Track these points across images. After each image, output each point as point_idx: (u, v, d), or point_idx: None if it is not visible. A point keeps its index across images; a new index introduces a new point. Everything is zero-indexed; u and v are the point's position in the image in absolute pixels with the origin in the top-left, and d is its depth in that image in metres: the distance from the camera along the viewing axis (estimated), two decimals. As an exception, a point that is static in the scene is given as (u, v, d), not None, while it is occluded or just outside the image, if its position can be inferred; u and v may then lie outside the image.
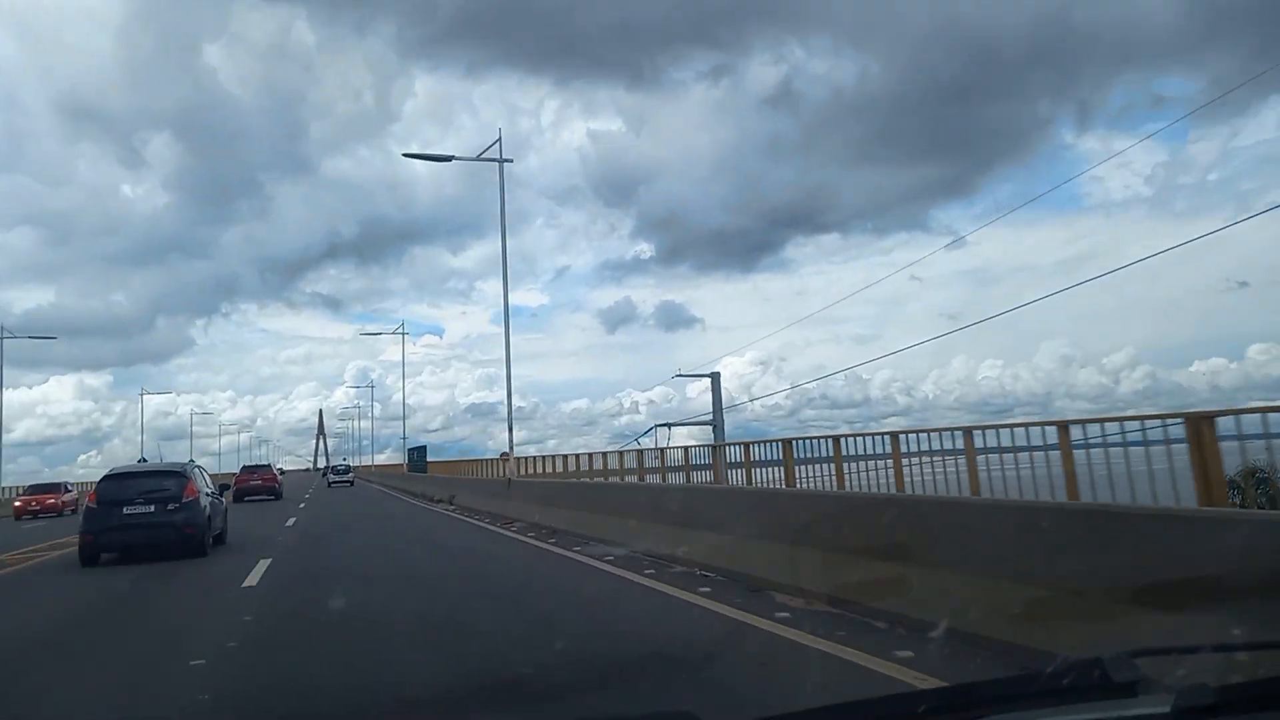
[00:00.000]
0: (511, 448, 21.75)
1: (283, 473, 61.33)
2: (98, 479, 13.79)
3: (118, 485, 12.93)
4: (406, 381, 57.10)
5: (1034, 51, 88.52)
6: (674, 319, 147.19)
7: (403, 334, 53.90)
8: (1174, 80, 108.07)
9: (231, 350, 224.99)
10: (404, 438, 52.52)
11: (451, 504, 24.48)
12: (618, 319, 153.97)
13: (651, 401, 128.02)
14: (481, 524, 17.89)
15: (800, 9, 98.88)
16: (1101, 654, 1.46)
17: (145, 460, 26.64)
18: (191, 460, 18.04)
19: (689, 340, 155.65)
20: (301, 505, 29.90)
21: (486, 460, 34.35)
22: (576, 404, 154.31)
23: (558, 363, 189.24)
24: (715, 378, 30.95)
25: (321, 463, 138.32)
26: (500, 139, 21.45)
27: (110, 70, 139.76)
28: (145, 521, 12.41)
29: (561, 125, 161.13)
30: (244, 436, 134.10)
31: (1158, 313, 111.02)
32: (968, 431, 9.68)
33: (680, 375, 32.78)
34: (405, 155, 22.74)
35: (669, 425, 31.66)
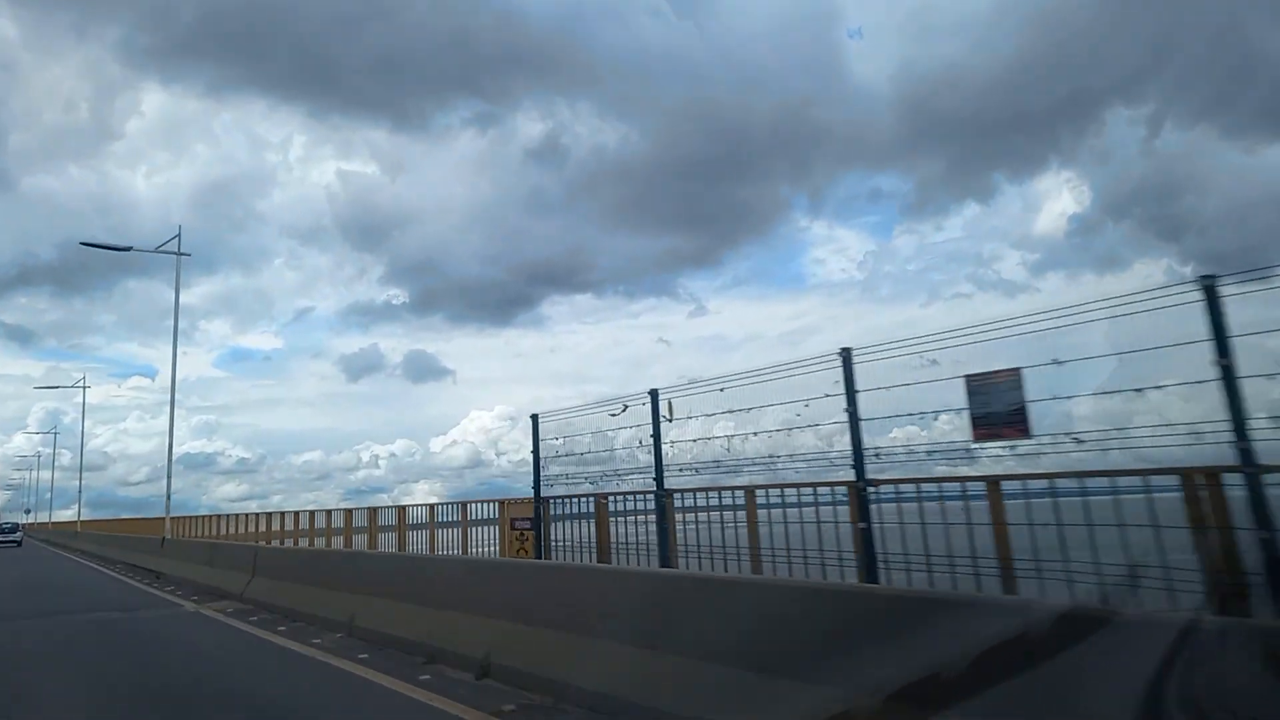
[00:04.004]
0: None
1: None
2: None
3: None
4: (104, 428, 51.58)
5: (776, 140, 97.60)
6: (424, 370, 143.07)
7: (84, 386, 48.97)
8: (889, 178, 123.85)
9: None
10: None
11: None
12: (362, 367, 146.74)
13: (393, 455, 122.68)
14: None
15: (567, 70, 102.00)
16: None
17: None
18: None
19: (438, 393, 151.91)
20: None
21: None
22: (310, 456, 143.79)
23: (292, 411, 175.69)
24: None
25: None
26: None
27: None
28: None
29: (311, 162, 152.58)
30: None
31: (863, 384, 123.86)
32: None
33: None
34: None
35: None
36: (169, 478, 23.22)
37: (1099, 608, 4.25)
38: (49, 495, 75.80)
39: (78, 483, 54.39)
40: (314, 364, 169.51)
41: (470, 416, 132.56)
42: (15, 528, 55.89)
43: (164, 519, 23.21)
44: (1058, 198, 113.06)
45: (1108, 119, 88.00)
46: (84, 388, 48.59)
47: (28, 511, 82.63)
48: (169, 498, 23.48)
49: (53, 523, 67.43)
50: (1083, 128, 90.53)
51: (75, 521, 49.07)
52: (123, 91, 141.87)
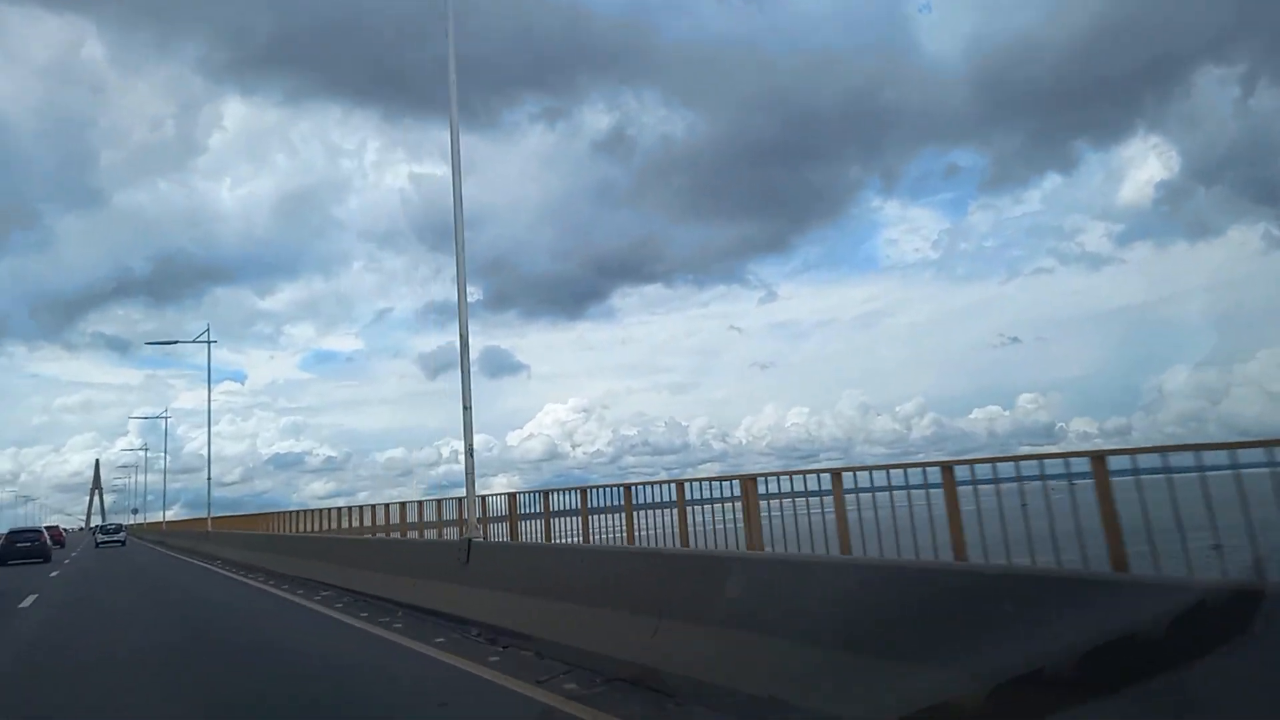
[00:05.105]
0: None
1: (67, 531, 61.44)
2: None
3: (14, 534, 35.45)
4: (200, 431, 50.71)
5: (846, 121, 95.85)
6: (499, 365, 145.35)
7: (208, 341, 40.07)
8: (965, 154, 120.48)
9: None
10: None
11: None
12: (440, 365, 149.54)
13: (473, 450, 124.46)
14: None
15: (632, 61, 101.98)
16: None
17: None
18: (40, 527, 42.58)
19: (514, 387, 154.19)
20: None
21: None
22: (392, 453, 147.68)
23: (374, 410, 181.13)
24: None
25: (97, 521, 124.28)
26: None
27: None
28: (27, 544, 33.71)
29: (385, 166, 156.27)
30: (5, 493, 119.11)
31: (942, 365, 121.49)
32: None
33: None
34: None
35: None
36: (468, 427, 11.16)
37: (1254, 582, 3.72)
38: (149, 497, 78.63)
39: (178, 485, 53.21)
40: (394, 363, 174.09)
41: (545, 410, 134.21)
42: (119, 528, 60.23)
43: (467, 498, 11.33)
44: (1143, 165, 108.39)
45: (1197, 80, 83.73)
46: (209, 343, 39.75)
47: (135, 511, 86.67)
48: (472, 470, 11.15)
49: (166, 522, 60.10)
50: (1169, 91, 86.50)
51: (205, 519, 37.80)
52: (205, 105, 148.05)
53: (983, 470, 6.84)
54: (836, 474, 7.95)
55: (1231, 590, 3.57)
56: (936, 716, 3.89)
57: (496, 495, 14.99)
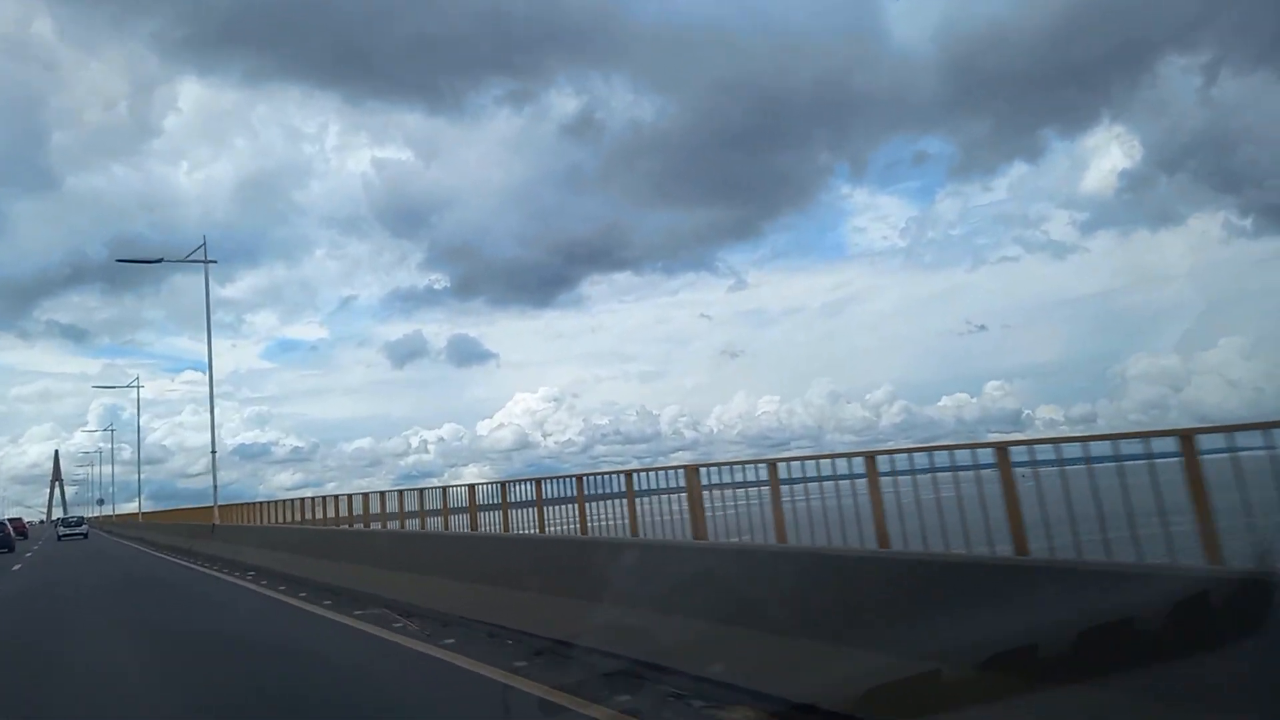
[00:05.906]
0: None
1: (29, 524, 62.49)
2: None
3: None
4: (162, 423, 45.98)
5: (816, 106, 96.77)
6: (467, 354, 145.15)
7: (205, 261, 30.33)
8: (933, 141, 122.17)
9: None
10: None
11: None
12: (406, 353, 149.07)
13: (441, 439, 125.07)
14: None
15: (601, 43, 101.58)
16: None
17: None
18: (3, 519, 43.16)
19: (482, 376, 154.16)
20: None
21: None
22: (360, 443, 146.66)
23: (339, 400, 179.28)
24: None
25: (58, 514, 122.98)
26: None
27: None
28: None
29: (347, 150, 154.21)
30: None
31: (910, 353, 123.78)
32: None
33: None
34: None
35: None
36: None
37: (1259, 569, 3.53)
38: (113, 488, 77.98)
39: (141, 477, 47.06)
40: (359, 352, 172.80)
41: (515, 399, 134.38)
42: (80, 520, 61.18)
43: None
44: (1107, 154, 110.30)
45: (1161, 69, 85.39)
46: (206, 262, 29.81)
47: (101, 502, 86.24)
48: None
49: (143, 513, 53.24)
50: (1135, 79, 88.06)
51: (208, 508, 27.24)
52: (160, 85, 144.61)
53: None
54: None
55: (1241, 580, 3.45)
56: (922, 685, 3.88)
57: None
